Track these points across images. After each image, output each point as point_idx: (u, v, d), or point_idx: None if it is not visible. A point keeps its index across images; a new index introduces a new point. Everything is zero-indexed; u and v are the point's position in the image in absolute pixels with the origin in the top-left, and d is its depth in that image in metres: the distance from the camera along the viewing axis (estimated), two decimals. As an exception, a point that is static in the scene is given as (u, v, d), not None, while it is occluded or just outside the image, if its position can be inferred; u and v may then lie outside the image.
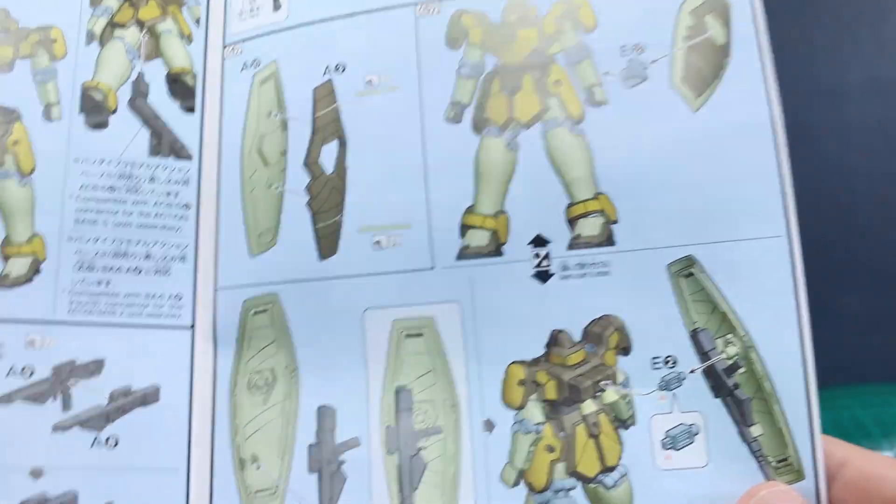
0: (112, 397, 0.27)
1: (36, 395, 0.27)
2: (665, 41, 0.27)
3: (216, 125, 0.30)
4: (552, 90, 0.27)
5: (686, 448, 0.25)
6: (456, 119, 0.28)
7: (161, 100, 0.30)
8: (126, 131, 0.30)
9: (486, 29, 0.28)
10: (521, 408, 0.26)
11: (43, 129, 0.29)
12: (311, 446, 0.27)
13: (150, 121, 0.30)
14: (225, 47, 0.31)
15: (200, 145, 0.30)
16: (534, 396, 0.26)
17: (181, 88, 0.30)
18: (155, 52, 0.31)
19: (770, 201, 0.25)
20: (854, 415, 0.27)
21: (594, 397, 0.26)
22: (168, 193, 0.29)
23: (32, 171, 0.29)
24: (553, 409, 0.26)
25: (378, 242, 0.27)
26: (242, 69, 0.30)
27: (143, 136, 0.30)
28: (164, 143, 0.29)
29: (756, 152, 0.26)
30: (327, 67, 0.29)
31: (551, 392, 0.26)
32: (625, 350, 0.26)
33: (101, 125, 0.30)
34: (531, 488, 0.26)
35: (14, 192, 0.28)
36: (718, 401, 0.25)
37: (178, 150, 0.29)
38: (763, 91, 0.25)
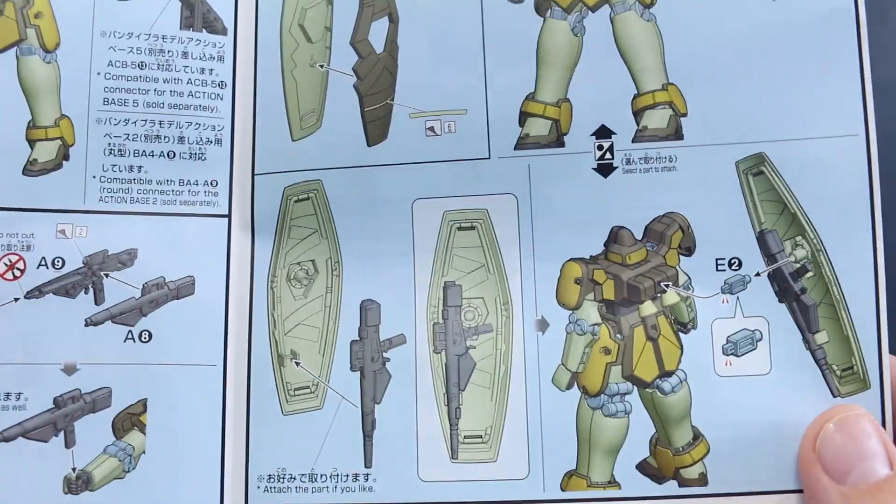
0: (145, 289, 0.34)
1: (67, 287, 0.33)
2: (747, -79, 0.33)
3: None
4: (623, -29, 0.33)
5: (748, 354, 0.32)
6: (518, -1, 0.34)
7: (191, -32, 0.36)
8: (156, 1, 0.36)
9: None
10: (576, 307, 0.33)
11: (67, 0, 0.35)
12: (353, 343, 0.33)
13: (181, -9, 0.36)
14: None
15: (235, 18, 0.36)
16: (590, 296, 0.33)
17: (214, -47, 0.36)
18: None
19: (849, 97, 0.32)
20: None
21: (654, 298, 0.32)
22: (202, 70, 0.35)
23: (57, 46, 0.35)
24: (610, 309, 0.32)
25: (431, 129, 0.33)
26: (282, -64, 0.36)
27: (174, 6, 0.36)
28: (197, 15, 0.36)
29: (837, 45, 0.32)
30: (377, -63, 0.35)
31: (609, 292, 0.33)
32: (688, 250, 0.32)
33: None
34: (585, 391, 0.32)
35: (38, 70, 0.35)
36: (783, 306, 0.32)
37: (211, 23, 0.36)
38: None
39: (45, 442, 0.33)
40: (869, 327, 0.31)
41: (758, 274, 0.32)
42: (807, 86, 0.32)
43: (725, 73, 0.32)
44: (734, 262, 0.32)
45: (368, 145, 0.34)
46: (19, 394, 0.33)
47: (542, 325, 0.33)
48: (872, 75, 0.31)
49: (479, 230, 0.33)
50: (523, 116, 0.33)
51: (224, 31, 0.36)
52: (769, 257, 0.32)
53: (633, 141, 0.33)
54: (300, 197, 0.34)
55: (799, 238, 0.32)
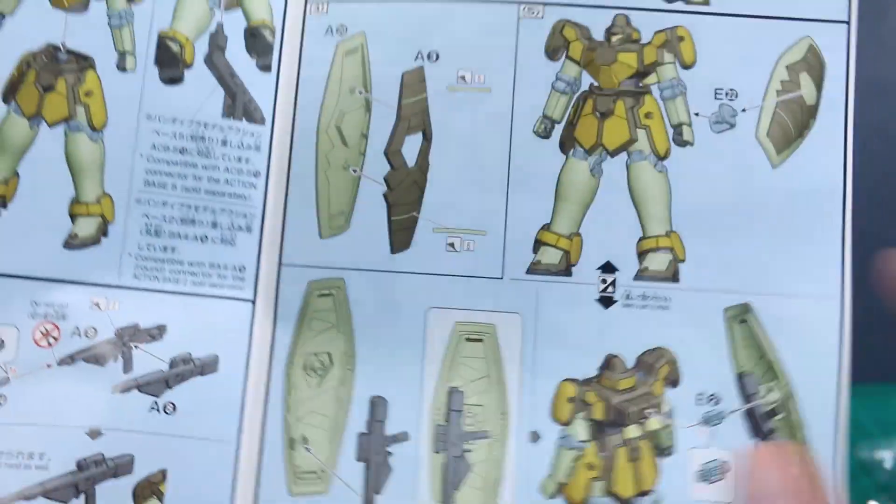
0: (172, 363, 0.39)
1: (98, 356, 0.38)
2: (758, 91, 0.39)
3: (292, 89, 0.41)
4: (643, 122, 0.39)
5: (717, 483, 0.38)
6: (545, 134, 0.39)
7: (237, 55, 0.41)
8: (201, 88, 0.40)
9: (587, 45, 0.39)
10: (567, 423, 0.38)
11: (116, 81, 0.40)
12: (360, 435, 0.39)
13: (227, 78, 0.40)
14: (308, 3, 0.41)
15: (274, 109, 0.41)
16: (581, 414, 0.38)
17: (259, 44, 0.41)
18: (236, 0, 0.41)
19: (828, 264, 0.38)
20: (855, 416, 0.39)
21: (638, 423, 0.38)
22: (239, 159, 0.40)
23: (104, 125, 0.40)
24: (598, 429, 0.38)
25: (451, 244, 0.39)
26: (326, 33, 0.41)
27: (218, 94, 0.40)
28: (238, 104, 0.40)
29: (823, 218, 0.38)
30: (419, 53, 0.40)
31: (598, 413, 0.38)
32: (673, 382, 0.38)
33: (175, 80, 0.40)
34: (568, 501, 0.38)
35: (85, 148, 0.39)
36: (753, 442, 0.38)
37: (251, 113, 0.40)
38: (841, 160, 0.37)
39: (66, 503, 0.38)
40: (827, 469, 0.38)
41: (734, 411, 0.38)
42: (794, 248, 0.38)
43: (723, 228, 0.38)
44: (714, 398, 0.38)
45: (392, 252, 0.39)
46: (42, 454, 0.38)
47: (535, 436, 0.39)
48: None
49: (486, 343, 0.39)
50: (537, 244, 0.39)
51: (262, 122, 0.41)
52: (746, 397, 0.38)
53: (634, 278, 0.39)
54: (323, 292, 0.40)
55: (773, 383, 0.38)
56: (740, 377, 0.38)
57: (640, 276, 0.39)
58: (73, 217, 0.39)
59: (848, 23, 0.39)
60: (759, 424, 0.38)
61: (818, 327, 0.38)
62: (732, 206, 0.39)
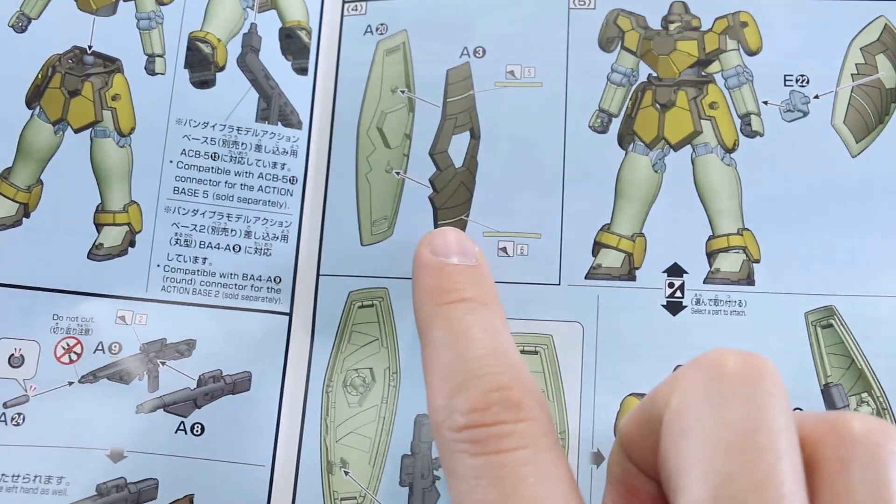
0: (201, 381, 0.37)
1: (122, 373, 0.37)
2: (831, 76, 0.37)
3: (330, 91, 0.40)
4: (707, 112, 0.37)
5: None
6: (601, 128, 0.38)
7: (272, 58, 0.40)
8: (233, 92, 0.40)
9: (643, 34, 0.38)
10: (634, 443, 0.36)
11: (145, 85, 0.40)
12: (404, 457, 0.37)
13: (261, 81, 0.40)
14: (345, 3, 0.40)
15: (311, 113, 0.40)
16: (649, 432, 0.36)
17: (295, 45, 0.40)
18: (270, 1, 0.40)
19: (922, 260, 0.35)
20: None
21: (713, 441, 0.36)
22: (274, 164, 0.39)
23: (132, 130, 0.39)
24: (668, 447, 0.36)
25: (504, 249, 0.37)
26: (365, 32, 0.40)
27: (252, 98, 0.40)
28: (273, 108, 0.39)
29: (913, 207, 0.36)
30: (465, 49, 0.39)
31: (668, 430, 0.36)
32: (751, 396, 0.36)
33: (206, 83, 0.40)
34: (635, 528, 0.36)
35: (112, 154, 0.38)
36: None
37: (287, 117, 0.39)
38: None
39: (85, 530, 0.36)
40: None
41: (819, 427, 0.36)
42: (880, 243, 0.36)
43: (801, 224, 0.36)
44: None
45: (439, 259, 0.38)
46: (61, 478, 0.36)
47: (598, 458, 0.36)
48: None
49: (543, 355, 0.37)
50: (597, 246, 0.37)
51: (299, 126, 0.40)
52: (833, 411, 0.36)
53: (704, 282, 0.37)
54: (365, 303, 0.38)
55: (865, 395, 0.35)
56: (826, 388, 0.36)
57: (710, 278, 0.37)
58: (98, 226, 0.38)
59: (927, 1, 0.38)
60: (849, 442, 0.36)
61: None
62: (810, 200, 0.37)
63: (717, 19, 0.38)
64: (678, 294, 0.37)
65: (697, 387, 0.23)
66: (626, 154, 0.38)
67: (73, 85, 0.39)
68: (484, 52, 0.39)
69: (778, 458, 0.21)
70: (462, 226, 0.38)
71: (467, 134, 0.39)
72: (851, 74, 0.37)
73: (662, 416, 0.23)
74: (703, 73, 0.38)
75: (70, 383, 0.37)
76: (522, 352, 0.37)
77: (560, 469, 0.25)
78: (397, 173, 0.39)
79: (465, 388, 0.25)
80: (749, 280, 0.37)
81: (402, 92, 0.39)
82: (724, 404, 0.22)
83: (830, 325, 0.36)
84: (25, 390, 0.37)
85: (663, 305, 0.37)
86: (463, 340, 0.27)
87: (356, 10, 0.41)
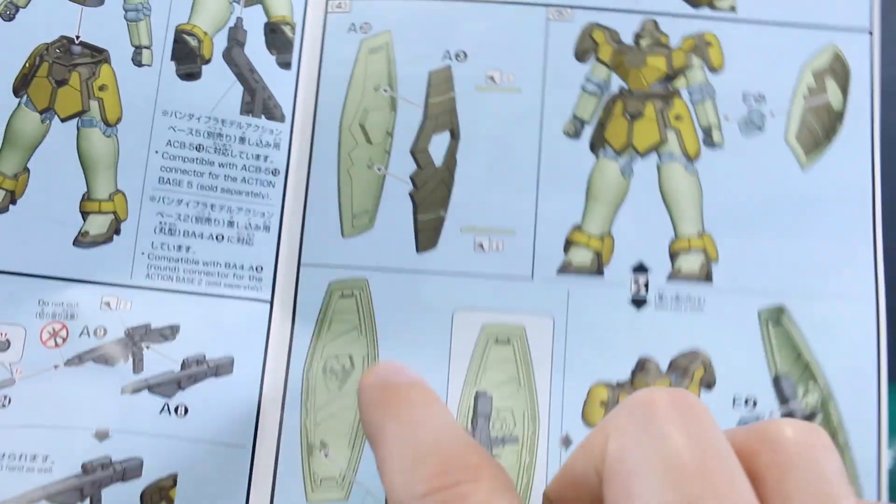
0: (185, 364, 0.39)
1: (107, 356, 0.38)
2: (785, 95, 0.41)
3: (313, 87, 0.42)
4: (673, 124, 0.41)
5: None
6: (575, 134, 0.41)
7: (257, 52, 0.42)
8: (219, 84, 0.41)
9: (616, 48, 0.41)
10: (599, 429, 0.39)
11: (132, 75, 0.41)
12: (382, 440, 0.39)
13: (245, 74, 0.42)
14: (328, 0, 0.42)
15: (294, 106, 0.42)
16: (613, 419, 0.39)
17: (279, 40, 0.42)
18: (256, -4, 0.42)
19: (861, 265, 0.39)
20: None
21: (671, 428, 0.39)
22: (257, 157, 0.41)
23: (118, 121, 0.40)
24: (631, 434, 0.39)
25: (480, 245, 0.40)
26: (349, 30, 0.42)
27: (237, 91, 0.41)
28: (257, 101, 0.41)
29: (855, 217, 0.40)
30: (447, 52, 0.42)
31: (631, 417, 0.39)
32: (708, 385, 0.39)
33: (192, 76, 0.41)
34: (598, 508, 0.39)
35: (98, 143, 0.40)
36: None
37: (270, 110, 0.42)
38: (869, 163, 0.40)
39: (71, 509, 0.37)
40: (870, 474, 0.39)
41: (771, 414, 0.39)
42: (827, 249, 0.40)
43: (755, 229, 0.40)
44: (750, 401, 0.39)
45: (417, 251, 0.40)
46: (46, 456, 0.37)
47: (567, 441, 0.39)
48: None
49: (515, 345, 0.40)
50: (568, 244, 0.40)
51: (282, 119, 0.42)
52: (782, 399, 0.39)
53: (667, 280, 0.40)
54: (345, 293, 0.40)
55: (811, 384, 0.39)
56: (777, 380, 0.40)
57: (672, 277, 0.40)
58: (84, 214, 0.40)
59: (871, 32, 0.42)
60: (794, 430, 0.39)
61: (854, 328, 0.40)
62: (764, 208, 0.40)
63: (684, 38, 0.42)
64: (643, 291, 0.40)
65: (634, 428, 0.23)
66: (597, 159, 0.41)
67: (60, 74, 0.40)
68: (466, 56, 0.42)
69: (732, 476, 0.21)
70: (440, 221, 0.41)
71: (447, 134, 0.41)
72: (803, 95, 0.41)
73: (599, 468, 0.23)
74: (670, 87, 0.42)
75: (56, 366, 0.38)
76: (495, 342, 0.40)
77: None
78: (378, 169, 0.41)
79: (422, 460, 0.25)
80: (707, 279, 0.40)
81: (385, 91, 0.42)
82: (666, 436, 0.22)
83: (780, 323, 0.40)
84: (12, 374, 0.38)
85: (629, 301, 0.40)
86: (414, 428, 0.27)
87: (340, 7, 0.43)
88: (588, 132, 0.41)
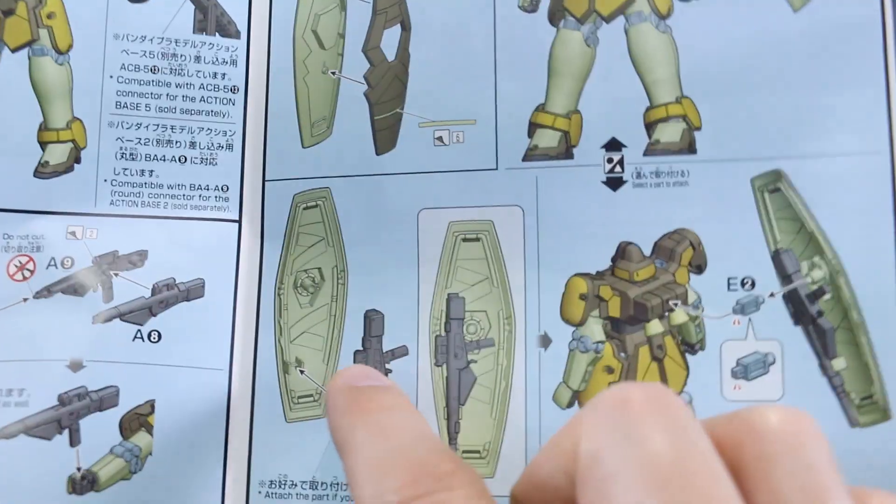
0: (155, 290, 0.38)
1: (76, 286, 0.38)
2: (770, -74, 0.35)
3: None
4: (639, -21, 0.36)
5: (759, 378, 0.35)
6: (531, 7, 0.37)
7: (208, -30, 0.40)
8: (169, 4, 0.39)
9: None
10: (580, 324, 0.36)
11: (79, 1, 0.39)
12: (356, 353, 0.37)
13: (196, -7, 0.40)
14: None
15: (249, 22, 0.40)
16: (595, 313, 0.36)
17: (229, -43, 0.40)
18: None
19: (872, 113, 0.34)
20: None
21: (661, 317, 0.35)
22: (214, 75, 0.39)
23: (69, 48, 0.39)
24: (615, 327, 0.36)
25: (440, 138, 0.37)
26: (296, -61, 0.40)
27: (188, 9, 0.40)
28: (210, 19, 0.40)
29: (861, 58, 0.34)
30: (391, -57, 0.39)
31: (614, 309, 0.36)
32: (698, 268, 0.35)
33: None
34: (587, 409, 0.36)
35: (51, 72, 0.39)
36: (799, 329, 0.34)
37: (224, 27, 0.40)
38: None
39: (49, 440, 0.37)
40: (891, 354, 0.33)
41: (772, 295, 0.35)
42: (828, 100, 0.34)
43: (742, 87, 0.35)
44: (747, 282, 0.35)
45: (377, 154, 0.38)
46: (21, 390, 0.37)
47: (545, 341, 0.36)
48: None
49: (485, 242, 0.37)
50: (532, 127, 0.36)
51: (237, 35, 0.40)
52: (784, 278, 0.34)
53: (644, 154, 0.36)
54: (309, 204, 0.38)
55: (817, 258, 0.34)
56: (777, 255, 0.35)
57: (650, 150, 0.36)
58: (42, 144, 0.38)
59: None
60: (804, 308, 0.35)
61: (865, 188, 0.33)
62: (750, 61, 0.35)
63: None
64: (618, 169, 0.36)
65: (608, 428, 0.22)
66: (557, 31, 0.37)
67: (6, 4, 0.39)
68: (411, -59, 0.39)
69: (714, 478, 0.20)
70: (397, 119, 0.38)
71: (398, 27, 0.38)
72: (788, -77, 0.36)
73: (570, 470, 0.22)
74: (633, -61, 0.37)
75: (25, 299, 0.38)
76: (464, 240, 0.37)
77: None
78: (333, 73, 0.39)
79: (392, 470, 0.24)
80: (691, 149, 0.36)
81: (335, -10, 0.39)
82: (643, 437, 0.21)
83: (778, 189, 0.35)
84: (-19, 309, 0.38)
85: (603, 182, 0.36)
86: (383, 435, 0.26)
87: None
88: (545, 3, 0.37)
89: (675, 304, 0.34)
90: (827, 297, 0.33)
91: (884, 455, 0.32)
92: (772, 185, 0.33)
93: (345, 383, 0.29)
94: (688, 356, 0.34)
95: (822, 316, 0.33)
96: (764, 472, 0.21)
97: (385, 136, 0.36)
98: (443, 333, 0.35)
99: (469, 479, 0.24)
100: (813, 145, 0.33)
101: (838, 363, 0.33)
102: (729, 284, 0.34)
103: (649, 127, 0.34)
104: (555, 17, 0.36)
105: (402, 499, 0.23)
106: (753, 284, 0.33)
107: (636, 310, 0.34)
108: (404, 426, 0.26)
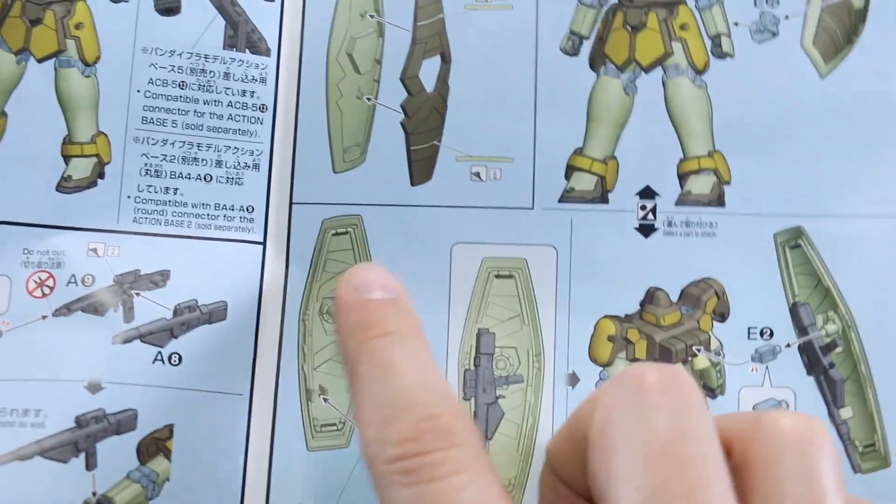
0: (177, 311, 0.37)
1: (96, 305, 0.37)
2: (802, -4, 0.37)
3: (298, 17, 0.39)
4: (678, 34, 0.37)
5: (771, 421, 0.37)
6: (573, 51, 0.38)
7: (238, -16, 0.40)
8: (199, 19, 0.39)
9: (614, -44, 0.38)
10: (608, 364, 0.37)
11: (109, 12, 0.38)
12: (382, 382, 0.38)
13: (227, 7, 0.39)
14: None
15: (280, 39, 0.39)
16: (622, 354, 0.37)
17: (260, -29, 0.40)
18: (234, -75, 0.40)
19: (888, 180, 0.36)
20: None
21: (685, 362, 0.37)
22: (243, 93, 0.39)
23: (97, 60, 0.38)
24: (641, 368, 0.37)
25: (477, 174, 0.38)
26: (333, -43, 0.39)
27: (218, 24, 0.39)
28: (241, 35, 0.39)
29: (880, 128, 0.36)
30: (434, -28, 0.39)
31: (641, 351, 0.37)
32: (721, 316, 0.37)
33: (172, 10, 0.39)
34: (609, 446, 0.37)
35: (77, 84, 0.38)
36: (811, 379, 0.36)
37: (255, 43, 0.39)
38: (895, 67, 0.36)
39: (65, 463, 0.36)
40: (893, 407, 0.35)
41: (788, 345, 0.37)
42: (849, 164, 0.36)
43: (770, 146, 0.37)
44: (766, 332, 0.37)
45: (412, 184, 0.38)
46: (38, 410, 0.36)
47: (573, 379, 0.37)
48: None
49: (517, 279, 0.38)
50: (570, 170, 0.37)
51: (268, 53, 0.39)
52: (801, 330, 0.36)
53: (675, 204, 0.37)
54: (338, 231, 0.38)
55: (831, 313, 0.37)
56: (794, 308, 0.37)
57: (682, 200, 0.37)
58: (66, 158, 0.37)
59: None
60: (817, 359, 0.37)
61: (879, 250, 0.36)
62: (779, 121, 0.37)
63: (688, -61, 0.38)
64: (650, 216, 0.38)
65: (619, 402, 0.23)
66: (597, 77, 0.38)
67: (34, 13, 0.38)
68: (453, -26, 0.39)
69: (705, 465, 0.21)
70: (434, 151, 0.38)
71: (438, 58, 0.39)
72: (821, -6, 0.38)
73: (587, 435, 0.23)
74: (674, -6, 0.38)
75: (44, 317, 0.37)
76: (496, 276, 0.38)
77: (496, 491, 0.24)
78: (368, 99, 0.39)
79: (395, 419, 0.25)
80: (720, 201, 0.37)
81: (372, 16, 0.39)
82: (647, 417, 0.22)
83: (798, 246, 0.37)
84: (-2, 325, 0.37)
85: (636, 228, 0.37)
86: (389, 373, 0.26)
87: (322, -68, 0.40)
88: (587, 48, 0.38)
89: (699, 350, 0.35)
90: (839, 349, 0.35)
91: (885, 499, 0.35)
92: (793, 242, 0.35)
93: (354, 295, 0.28)
94: (708, 400, 0.35)
95: (833, 367, 0.35)
96: (766, 474, 0.22)
97: (421, 167, 0.37)
98: (472, 368, 0.36)
99: (468, 438, 0.24)
100: (833, 206, 0.36)
101: (846, 412, 0.35)
102: (749, 333, 0.35)
103: (682, 177, 0.36)
104: (595, 62, 0.37)
105: (401, 452, 0.24)
106: (772, 334, 0.35)
107: (661, 354, 0.36)
108: (410, 365, 0.27)
